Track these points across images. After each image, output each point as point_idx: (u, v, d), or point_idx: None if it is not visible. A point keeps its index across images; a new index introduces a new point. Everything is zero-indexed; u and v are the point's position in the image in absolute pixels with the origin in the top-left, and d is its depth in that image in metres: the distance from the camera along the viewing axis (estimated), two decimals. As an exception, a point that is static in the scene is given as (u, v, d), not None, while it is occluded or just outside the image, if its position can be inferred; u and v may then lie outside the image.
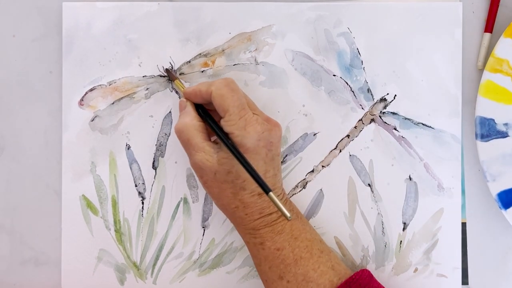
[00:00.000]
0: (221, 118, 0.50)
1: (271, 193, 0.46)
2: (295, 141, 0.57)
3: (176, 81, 0.55)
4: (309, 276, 0.50)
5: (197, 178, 0.56)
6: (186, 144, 0.50)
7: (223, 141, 0.49)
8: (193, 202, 0.57)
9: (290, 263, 0.50)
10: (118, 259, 0.57)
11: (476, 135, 0.55)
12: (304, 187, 0.57)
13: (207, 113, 0.52)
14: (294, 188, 0.57)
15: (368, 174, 0.57)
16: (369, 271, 0.51)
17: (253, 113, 0.50)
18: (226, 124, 0.49)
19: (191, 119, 0.51)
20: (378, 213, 0.57)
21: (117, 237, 0.57)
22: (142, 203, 0.57)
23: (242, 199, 0.50)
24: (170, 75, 0.56)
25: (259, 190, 0.50)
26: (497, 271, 0.57)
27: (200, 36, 0.57)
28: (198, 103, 0.52)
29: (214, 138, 0.52)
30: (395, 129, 0.57)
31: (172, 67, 0.57)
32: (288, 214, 0.46)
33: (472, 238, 0.57)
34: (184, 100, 0.53)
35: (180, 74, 0.57)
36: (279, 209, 0.46)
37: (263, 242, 0.50)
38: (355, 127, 0.57)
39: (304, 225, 0.52)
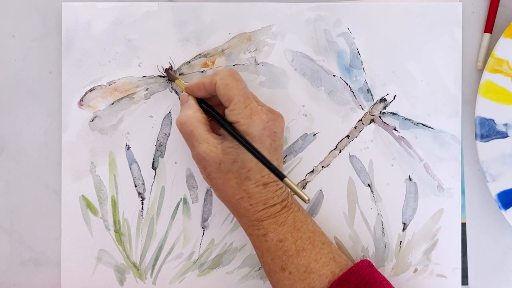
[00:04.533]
0: (224, 111, 0.50)
1: (286, 179, 0.46)
2: (295, 141, 0.57)
3: (177, 81, 0.55)
4: (311, 267, 0.50)
5: (196, 177, 0.56)
6: (189, 135, 0.50)
7: (228, 129, 0.49)
8: (192, 202, 0.57)
9: (292, 254, 0.50)
10: (117, 260, 0.57)
11: (476, 135, 0.55)
12: (304, 188, 0.57)
13: (209, 105, 0.52)
14: (294, 189, 0.57)
15: (368, 174, 0.57)
16: (369, 261, 0.51)
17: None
18: (232, 113, 0.49)
19: (194, 111, 0.51)
20: (378, 214, 0.57)
21: (116, 237, 0.57)
22: (142, 203, 0.57)
23: (246, 189, 0.50)
24: (169, 75, 0.56)
25: (264, 180, 0.50)
26: (497, 271, 0.57)
27: (199, 37, 0.57)
28: (200, 97, 0.52)
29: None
30: (395, 129, 0.57)
31: (171, 67, 0.57)
32: (306, 197, 0.45)
33: (472, 238, 0.57)
34: (186, 94, 0.53)
35: (180, 75, 0.57)
36: (296, 193, 0.45)
37: (266, 233, 0.50)
38: (355, 127, 0.57)
39: (305, 217, 0.52)
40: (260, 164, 0.48)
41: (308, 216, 0.53)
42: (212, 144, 0.49)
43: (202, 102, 0.52)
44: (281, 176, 0.46)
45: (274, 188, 0.51)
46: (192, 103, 0.52)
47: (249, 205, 0.50)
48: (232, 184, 0.50)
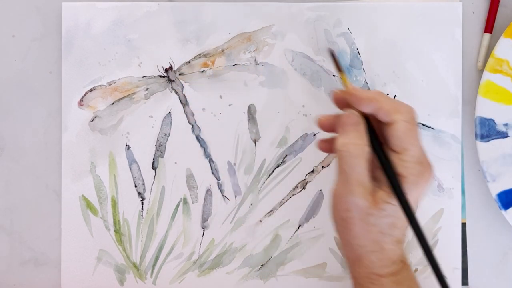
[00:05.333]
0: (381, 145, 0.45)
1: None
2: (295, 141, 0.57)
3: (343, 74, 0.46)
4: None
5: (196, 177, 0.56)
6: (350, 168, 0.43)
7: (394, 185, 0.43)
8: (192, 202, 0.57)
9: None
10: (117, 260, 0.57)
11: (476, 135, 0.55)
12: (304, 188, 0.57)
13: (379, 143, 0.45)
14: (294, 189, 0.57)
15: (368, 174, 0.56)
16: None
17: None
18: (402, 165, 0.43)
19: (364, 144, 0.43)
20: (378, 214, 0.57)
21: (116, 237, 0.57)
22: (142, 203, 0.57)
23: (383, 245, 0.44)
24: (337, 65, 0.47)
25: (401, 238, 0.45)
26: (497, 271, 0.57)
27: (199, 36, 0.57)
28: (359, 110, 0.45)
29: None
30: (395, 129, 0.56)
31: (172, 67, 0.57)
32: None
33: (472, 238, 0.57)
34: (358, 115, 0.44)
35: (180, 74, 0.57)
36: None
37: None
38: (355, 127, 0.57)
39: (413, 274, 0.47)
40: (406, 223, 0.43)
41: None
42: (368, 191, 0.43)
43: (373, 137, 0.44)
44: (441, 276, 0.42)
45: (403, 245, 0.46)
46: (363, 130, 0.44)
47: (377, 259, 0.44)
48: (371, 236, 0.44)
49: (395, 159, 0.43)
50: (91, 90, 0.57)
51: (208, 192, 0.57)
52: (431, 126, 0.56)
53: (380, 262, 0.44)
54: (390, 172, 0.43)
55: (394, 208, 0.43)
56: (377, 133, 0.45)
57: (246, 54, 0.57)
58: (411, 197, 0.43)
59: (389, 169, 0.43)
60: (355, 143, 0.43)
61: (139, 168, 0.57)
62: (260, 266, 0.57)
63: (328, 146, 0.48)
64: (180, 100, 0.57)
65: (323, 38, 0.57)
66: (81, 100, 0.57)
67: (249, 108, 0.57)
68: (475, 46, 0.57)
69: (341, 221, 0.45)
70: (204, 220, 0.57)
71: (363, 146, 0.43)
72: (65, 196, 0.57)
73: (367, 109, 0.44)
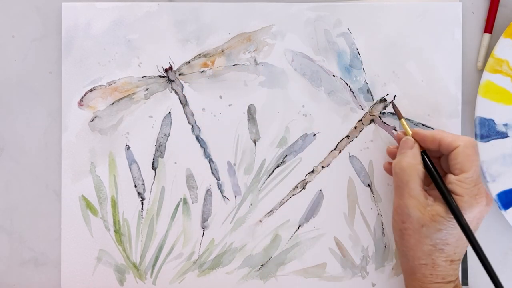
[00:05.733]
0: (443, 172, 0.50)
1: None
2: (295, 141, 0.57)
3: (402, 121, 0.53)
4: None
5: (196, 177, 0.56)
6: (404, 184, 0.49)
7: (449, 201, 0.48)
8: (192, 202, 0.57)
9: None
10: (117, 260, 0.57)
11: (476, 135, 0.55)
12: (304, 188, 0.57)
13: (433, 163, 0.50)
14: (294, 189, 0.57)
15: (368, 174, 0.56)
16: None
17: None
18: (459, 185, 0.48)
19: (417, 163, 0.50)
20: (378, 214, 0.57)
21: (116, 237, 0.57)
22: (142, 203, 0.57)
23: (435, 259, 0.49)
24: (397, 113, 0.54)
25: (453, 257, 0.49)
26: (497, 271, 0.57)
27: (199, 37, 0.57)
28: (426, 148, 0.51)
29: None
30: (394, 129, 0.57)
31: (171, 67, 0.57)
32: None
33: (472, 238, 0.57)
34: (412, 140, 0.51)
35: (179, 75, 0.57)
36: None
37: None
38: (355, 127, 0.57)
39: None
40: (458, 242, 0.48)
41: None
42: (422, 204, 0.48)
43: (426, 156, 0.51)
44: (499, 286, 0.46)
45: (457, 265, 0.50)
46: (417, 152, 0.50)
47: (429, 274, 0.49)
48: (424, 248, 0.49)
49: (454, 180, 0.48)
50: (91, 90, 0.57)
51: (208, 192, 0.57)
52: (431, 126, 0.56)
53: (432, 277, 0.49)
54: (443, 187, 0.48)
55: (447, 223, 0.48)
56: (435, 164, 0.51)
57: (246, 54, 0.57)
58: (466, 218, 0.47)
59: (442, 185, 0.49)
60: (409, 162, 0.50)
61: (139, 168, 0.57)
62: (260, 266, 0.57)
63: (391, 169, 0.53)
64: (180, 100, 0.57)
65: (323, 38, 0.57)
66: (81, 100, 0.57)
67: (249, 108, 0.57)
68: (475, 46, 0.57)
69: (399, 233, 0.50)
70: (204, 220, 0.57)
71: (416, 165, 0.49)
72: (65, 196, 0.57)
73: (432, 145, 0.50)
